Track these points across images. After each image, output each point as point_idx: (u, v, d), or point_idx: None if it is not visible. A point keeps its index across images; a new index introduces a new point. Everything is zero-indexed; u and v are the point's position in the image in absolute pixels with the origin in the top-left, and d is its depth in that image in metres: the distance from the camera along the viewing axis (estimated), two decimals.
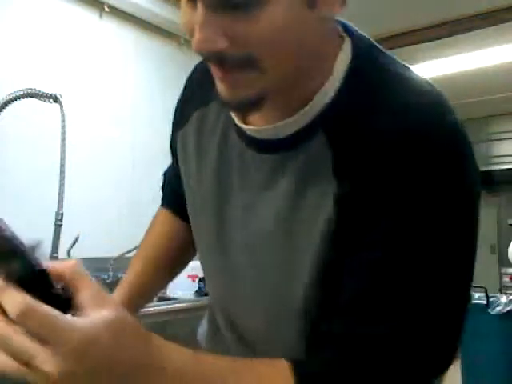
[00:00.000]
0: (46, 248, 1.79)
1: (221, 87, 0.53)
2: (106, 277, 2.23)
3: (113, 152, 2.43)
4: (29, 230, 1.83)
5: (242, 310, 0.66)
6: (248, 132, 0.61)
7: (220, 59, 0.49)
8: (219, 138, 0.65)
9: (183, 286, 2.37)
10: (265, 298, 0.61)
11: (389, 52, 0.59)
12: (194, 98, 0.71)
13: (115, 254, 2.25)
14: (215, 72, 0.52)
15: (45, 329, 0.39)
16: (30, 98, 1.77)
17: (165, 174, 0.95)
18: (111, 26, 2.47)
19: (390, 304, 0.50)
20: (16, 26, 2.09)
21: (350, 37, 0.58)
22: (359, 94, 0.55)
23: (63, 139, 1.80)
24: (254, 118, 0.60)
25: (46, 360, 0.38)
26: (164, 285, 0.93)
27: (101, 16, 2.41)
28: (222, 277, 0.67)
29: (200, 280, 2.34)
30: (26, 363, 0.39)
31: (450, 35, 2.99)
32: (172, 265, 0.88)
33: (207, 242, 0.68)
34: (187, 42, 2.84)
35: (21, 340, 0.39)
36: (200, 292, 2.29)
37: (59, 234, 1.78)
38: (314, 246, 0.55)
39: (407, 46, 3.21)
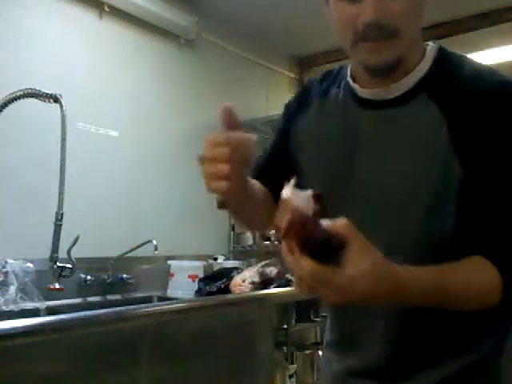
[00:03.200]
0: (46, 248, 1.79)
1: (371, 57, 0.80)
2: (105, 277, 2.23)
3: (113, 152, 2.43)
4: (29, 230, 1.85)
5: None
6: (366, 96, 0.88)
7: (378, 27, 0.76)
8: (341, 112, 0.92)
9: (183, 286, 2.38)
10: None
11: None
12: (313, 93, 0.99)
13: (115, 254, 2.26)
14: (369, 46, 0.79)
15: (319, 281, 0.66)
16: (30, 98, 1.77)
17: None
18: (111, 26, 2.47)
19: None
20: (16, 26, 2.09)
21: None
22: (444, 68, 0.84)
23: (63, 139, 1.80)
24: (366, 84, 0.88)
25: (324, 294, 0.67)
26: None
27: (101, 16, 2.41)
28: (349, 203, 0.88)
29: (200, 280, 2.34)
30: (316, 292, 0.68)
31: (450, 35, 2.99)
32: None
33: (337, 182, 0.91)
34: (187, 42, 2.85)
35: (312, 284, 0.67)
36: (200, 292, 2.29)
37: (59, 234, 1.78)
38: (432, 173, 0.79)
39: None
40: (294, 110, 1.03)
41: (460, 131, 0.77)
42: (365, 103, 0.88)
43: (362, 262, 0.65)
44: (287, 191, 0.68)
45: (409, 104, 0.84)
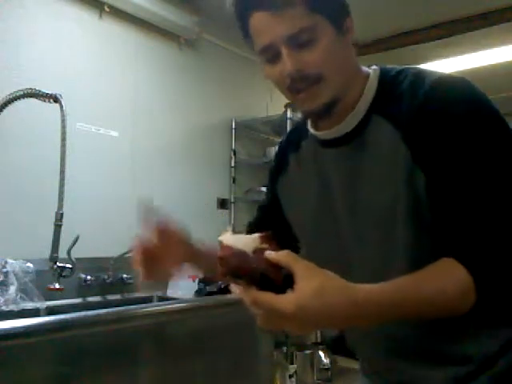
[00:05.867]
0: (46, 248, 1.79)
1: (306, 105, 0.85)
2: (105, 277, 2.23)
3: (113, 152, 2.43)
4: (29, 230, 1.85)
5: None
6: (327, 137, 0.90)
7: (302, 77, 0.80)
8: (313, 160, 0.95)
9: (183, 286, 2.37)
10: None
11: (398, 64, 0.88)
12: (288, 150, 1.03)
13: (115, 254, 2.26)
14: (301, 97, 0.83)
15: (267, 309, 0.67)
16: (30, 98, 1.77)
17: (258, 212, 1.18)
18: (111, 26, 2.47)
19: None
20: (16, 26, 2.09)
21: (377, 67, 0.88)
22: (387, 86, 0.85)
23: (63, 139, 1.80)
24: (323, 127, 0.90)
25: (284, 326, 0.67)
26: None
27: (101, 16, 2.42)
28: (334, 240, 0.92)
29: (200, 280, 2.34)
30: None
31: (450, 35, 2.99)
32: None
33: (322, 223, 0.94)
34: (187, 42, 2.85)
35: (265, 315, 0.68)
36: (200, 292, 2.29)
37: (59, 234, 1.78)
38: (402, 179, 0.79)
39: (407, 45, 3.21)
40: (275, 173, 1.07)
41: (413, 140, 0.78)
42: (328, 144, 0.90)
43: (306, 289, 0.65)
44: (223, 235, 0.72)
45: (366, 130, 0.85)
